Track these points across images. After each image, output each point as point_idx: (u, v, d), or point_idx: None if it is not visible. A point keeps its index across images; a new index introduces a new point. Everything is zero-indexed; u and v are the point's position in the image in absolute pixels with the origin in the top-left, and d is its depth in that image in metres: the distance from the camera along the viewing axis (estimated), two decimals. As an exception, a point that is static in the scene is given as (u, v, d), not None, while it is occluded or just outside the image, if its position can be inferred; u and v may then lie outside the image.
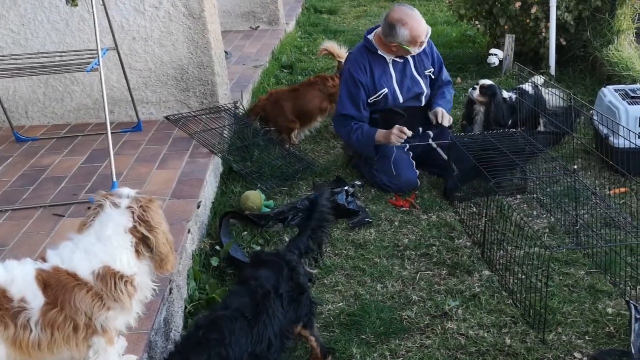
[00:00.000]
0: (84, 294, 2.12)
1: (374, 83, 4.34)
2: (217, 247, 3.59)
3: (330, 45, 5.20)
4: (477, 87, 4.67)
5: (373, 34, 4.38)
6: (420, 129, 4.56)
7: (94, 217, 2.22)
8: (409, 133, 4.22)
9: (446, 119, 4.32)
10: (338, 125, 4.49)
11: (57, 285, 2.10)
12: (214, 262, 3.46)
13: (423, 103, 4.52)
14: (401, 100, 4.41)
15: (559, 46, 6.31)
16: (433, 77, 4.52)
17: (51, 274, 2.11)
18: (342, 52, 5.19)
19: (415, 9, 4.22)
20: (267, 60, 6.92)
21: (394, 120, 4.37)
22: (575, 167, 3.45)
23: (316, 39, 8.43)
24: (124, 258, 2.22)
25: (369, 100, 4.37)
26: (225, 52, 6.92)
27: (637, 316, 2.50)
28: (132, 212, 2.22)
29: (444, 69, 4.60)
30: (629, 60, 5.56)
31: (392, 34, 4.18)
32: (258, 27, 8.37)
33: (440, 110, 4.35)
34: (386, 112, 4.40)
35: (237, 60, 6.79)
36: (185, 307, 3.16)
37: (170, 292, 2.91)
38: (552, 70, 6.29)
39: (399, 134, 4.20)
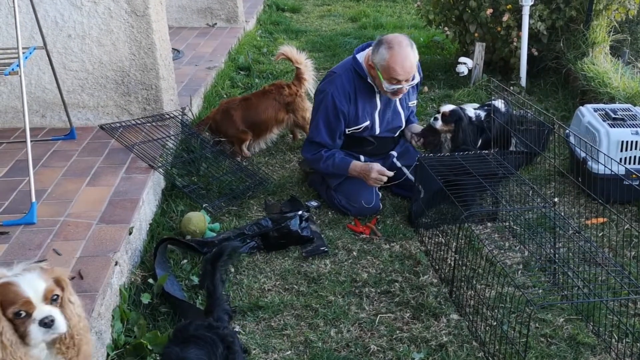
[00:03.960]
0: None
1: (357, 115, 3.91)
2: (151, 280, 3.14)
3: (289, 49, 4.77)
4: (439, 116, 4.25)
5: (364, 55, 3.90)
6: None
7: None
8: (390, 174, 3.84)
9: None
10: (307, 151, 4.03)
11: None
12: (145, 299, 3.01)
13: (396, 135, 4.18)
14: (378, 132, 4.02)
15: (530, 56, 6.00)
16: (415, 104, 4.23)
17: None
18: (300, 58, 4.76)
19: (414, 47, 3.77)
20: (222, 61, 6.46)
21: (362, 145, 3.99)
22: (556, 199, 3.10)
23: (277, 39, 8.00)
24: None
25: (346, 131, 3.96)
26: (177, 50, 6.46)
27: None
28: None
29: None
30: (605, 75, 5.25)
31: (375, 50, 3.75)
32: (215, 24, 7.89)
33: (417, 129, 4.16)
34: (356, 139, 4.04)
35: (190, 61, 6.30)
36: (108, 355, 2.72)
37: (86, 344, 2.46)
38: (523, 82, 5.98)
39: (378, 177, 3.82)
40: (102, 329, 2.67)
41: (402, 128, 4.16)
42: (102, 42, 4.34)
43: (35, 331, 1.88)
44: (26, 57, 3.54)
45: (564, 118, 5.22)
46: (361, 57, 3.88)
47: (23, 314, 1.87)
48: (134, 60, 4.39)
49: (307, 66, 4.80)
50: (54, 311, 1.91)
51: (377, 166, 3.83)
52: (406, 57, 3.68)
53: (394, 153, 4.15)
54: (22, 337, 1.89)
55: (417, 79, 3.88)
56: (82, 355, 2.01)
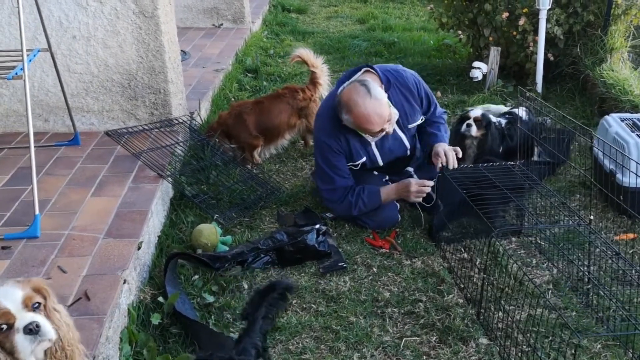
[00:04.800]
0: None
1: (351, 153, 3.69)
2: (161, 299, 2.96)
3: (305, 52, 4.59)
4: (471, 122, 4.06)
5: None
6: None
7: None
8: (431, 184, 3.61)
9: (451, 159, 3.60)
10: (330, 202, 3.75)
11: None
12: (155, 319, 2.83)
13: (408, 154, 3.90)
14: (381, 164, 3.79)
15: (546, 62, 5.82)
16: (422, 121, 3.86)
17: None
18: (316, 62, 4.59)
19: (372, 92, 3.43)
20: (229, 63, 6.28)
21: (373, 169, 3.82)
22: (592, 217, 2.93)
23: (284, 40, 7.84)
24: None
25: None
26: (184, 52, 6.28)
27: None
28: None
29: (436, 105, 3.91)
30: (626, 83, 5.09)
31: (339, 113, 3.53)
32: (222, 25, 7.72)
33: (441, 150, 3.64)
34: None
35: (196, 62, 6.13)
36: (116, 381, 2.54)
37: (94, 372, 2.29)
38: (539, 88, 5.82)
39: (420, 190, 3.60)
40: (110, 354, 2.50)
41: (408, 150, 3.85)
42: (108, 43, 4.16)
43: (21, 341, 1.72)
44: (30, 60, 3.37)
45: (584, 125, 5.04)
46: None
47: (4, 326, 1.71)
48: (142, 63, 4.21)
49: (323, 70, 4.64)
50: (37, 317, 1.75)
51: (414, 181, 3.63)
52: (370, 112, 3.42)
53: (411, 169, 3.95)
54: (11, 353, 1.73)
55: (397, 115, 3.59)
56: None
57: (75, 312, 2.49)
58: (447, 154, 3.60)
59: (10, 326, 1.72)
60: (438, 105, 3.92)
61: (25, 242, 2.95)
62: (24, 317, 1.73)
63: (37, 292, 1.82)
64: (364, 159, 3.72)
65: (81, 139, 4.08)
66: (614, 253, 2.69)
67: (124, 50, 4.18)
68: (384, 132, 3.56)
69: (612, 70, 5.42)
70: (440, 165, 3.59)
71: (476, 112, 4.08)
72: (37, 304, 1.79)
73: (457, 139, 4.03)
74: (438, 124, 3.83)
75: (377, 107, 3.44)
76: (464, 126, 4.06)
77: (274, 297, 2.19)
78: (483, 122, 4.04)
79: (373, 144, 3.71)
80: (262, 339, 2.13)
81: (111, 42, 4.15)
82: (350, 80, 3.60)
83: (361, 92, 3.44)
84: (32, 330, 1.72)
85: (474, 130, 4.02)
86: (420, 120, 3.82)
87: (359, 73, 3.69)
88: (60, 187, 3.50)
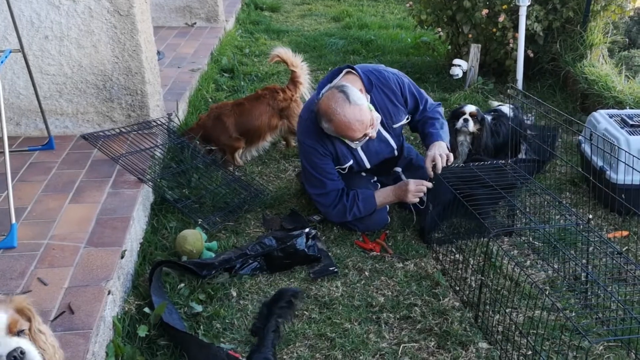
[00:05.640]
0: None
1: (338, 156, 3.58)
2: (147, 310, 2.82)
3: (284, 51, 4.48)
4: (468, 117, 3.99)
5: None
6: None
7: None
8: (429, 185, 3.51)
9: (438, 164, 3.44)
10: (324, 207, 3.62)
11: None
12: (142, 331, 2.69)
13: (396, 154, 3.79)
14: (368, 166, 3.69)
15: (526, 58, 5.79)
16: (408, 120, 3.75)
17: None
18: (296, 61, 4.48)
19: (351, 97, 3.30)
20: (205, 63, 6.13)
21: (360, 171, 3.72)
22: (590, 216, 2.86)
23: (258, 39, 7.70)
24: None
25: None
26: (158, 51, 6.12)
27: None
28: None
29: (427, 100, 3.75)
30: (608, 79, 5.07)
31: (320, 122, 3.42)
32: (195, 23, 7.56)
33: (430, 157, 3.49)
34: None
35: (171, 62, 5.97)
36: (103, 398, 2.41)
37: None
38: (520, 85, 5.78)
39: (418, 189, 3.51)
40: (97, 370, 2.36)
41: (395, 150, 3.74)
42: (82, 43, 4.00)
43: None
44: (2, 62, 3.20)
45: (565, 122, 5.01)
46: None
47: None
48: (117, 64, 4.05)
49: (302, 69, 4.52)
50: (22, 342, 1.64)
51: (412, 182, 3.54)
52: (350, 119, 3.30)
53: (399, 169, 3.87)
54: None
55: (379, 118, 3.50)
56: None
57: (59, 327, 2.35)
58: (436, 159, 3.46)
59: None
60: (430, 99, 3.80)
61: (2, 252, 2.80)
62: (7, 344, 1.62)
63: (21, 313, 1.71)
64: (351, 162, 3.62)
65: (55, 143, 3.92)
66: (616, 253, 2.63)
67: (98, 51, 4.02)
68: (368, 137, 3.47)
69: (593, 67, 5.41)
70: (431, 171, 3.48)
71: (471, 107, 4.02)
72: (22, 328, 1.68)
73: (451, 135, 3.96)
74: (433, 120, 3.70)
75: (357, 113, 3.32)
76: (460, 121, 4.00)
77: (282, 307, 2.08)
78: (478, 116, 3.98)
79: (359, 148, 3.61)
80: (273, 352, 2.01)
81: (85, 41, 3.99)
82: (328, 86, 3.48)
83: (339, 99, 3.32)
84: (16, 357, 1.61)
85: (471, 125, 3.96)
86: (405, 120, 3.73)
87: (341, 75, 3.59)
88: (36, 193, 3.34)
